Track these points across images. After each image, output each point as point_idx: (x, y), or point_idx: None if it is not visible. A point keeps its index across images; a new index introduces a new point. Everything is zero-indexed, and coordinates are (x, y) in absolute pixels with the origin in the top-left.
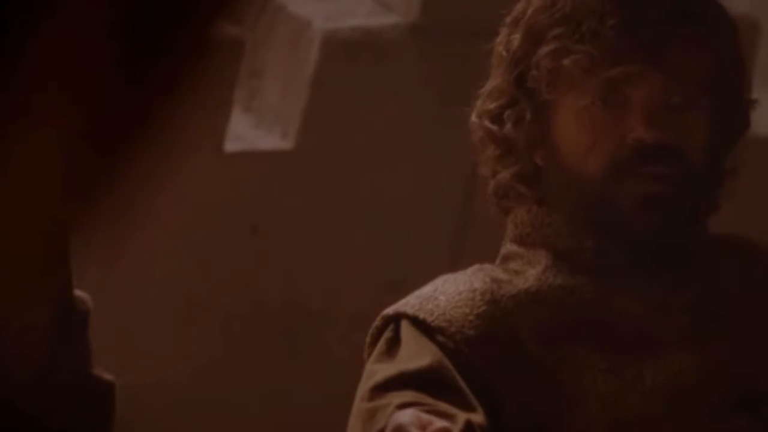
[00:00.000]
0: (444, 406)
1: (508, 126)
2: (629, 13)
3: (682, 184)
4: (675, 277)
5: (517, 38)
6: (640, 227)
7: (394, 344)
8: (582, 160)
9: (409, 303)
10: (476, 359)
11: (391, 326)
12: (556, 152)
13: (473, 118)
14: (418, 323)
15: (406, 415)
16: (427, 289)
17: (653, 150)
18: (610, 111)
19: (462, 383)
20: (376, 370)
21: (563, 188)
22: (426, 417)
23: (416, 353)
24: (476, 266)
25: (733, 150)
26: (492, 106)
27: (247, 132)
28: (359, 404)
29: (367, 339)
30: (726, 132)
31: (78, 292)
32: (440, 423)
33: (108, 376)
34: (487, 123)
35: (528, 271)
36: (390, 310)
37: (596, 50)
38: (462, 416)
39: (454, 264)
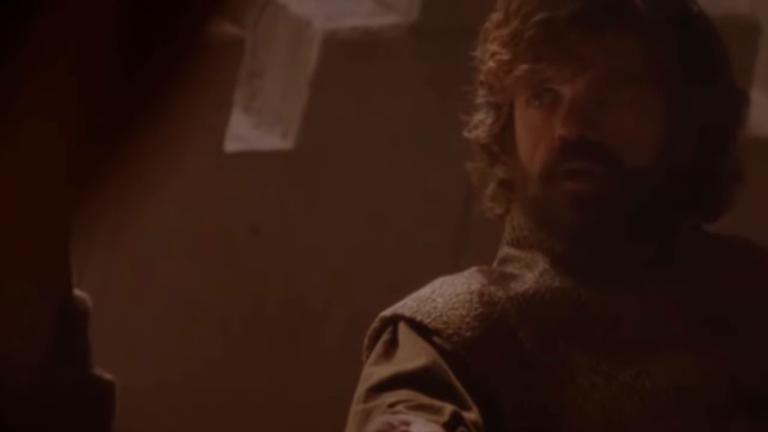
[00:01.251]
0: (430, 400)
1: (477, 132)
2: (548, 11)
3: (610, 180)
4: (674, 279)
5: (480, 47)
6: (574, 227)
7: (391, 346)
8: (529, 162)
9: (406, 305)
10: (473, 361)
11: (389, 328)
12: (517, 155)
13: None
14: (415, 325)
15: (376, 423)
16: (424, 291)
17: (575, 146)
18: (544, 110)
19: (458, 383)
20: (373, 372)
21: (521, 190)
22: (396, 418)
23: (413, 355)
24: (474, 268)
25: (724, 151)
26: (474, 116)
27: (247, 132)
28: (355, 406)
29: (365, 341)
30: (693, 128)
31: (77, 292)
32: (406, 417)
33: (108, 376)
34: (465, 132)
35: (526, 274)
36: (387, 312)
37: (515, 50)
38: (448, 408)
39: (455, 264)
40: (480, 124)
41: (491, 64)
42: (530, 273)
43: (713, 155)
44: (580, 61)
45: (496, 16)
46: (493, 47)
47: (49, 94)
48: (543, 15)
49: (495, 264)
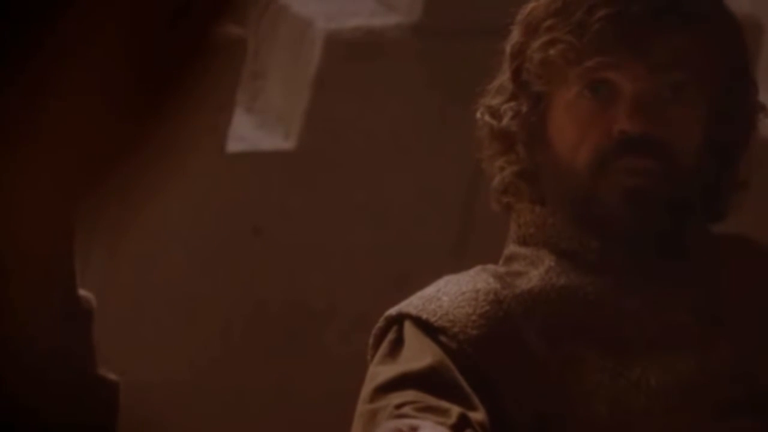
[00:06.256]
0: (437, 402)
1: (506, 120)
2: (618, 5)
3: (666, 179)
4: (678, 277)
5: (516, 33)
6: (626, 222)
7: (397, 345)
8: (572, 154)
9: (412, 304)
10: (479, 359)
11: (395, 327)
12: (551, 147)
13: (478, 114)
14: (421, 324)
15: (384, 429)
16: (430, 290)
17: (637, 142)
18: (599, 103)
19: (464, 383)
20: (379, 371)
21: (557, 184)
22: (404, 423)
23: (419, 354)
24: (479, 267)
25: (739, 156)
26: (495, 101)
27: (250, 132)
28: (361, 406)
29: (370, 340)
30: (725, 133)
31: (82, 292)
32: (413, 422)
33: (112, 376)
34: (487, 118)
35: (531, 272)
36: (393, 311)
37: (581, 41)
38: (456, 410)
39: (457, 264)
40: (509, 111)
41: (552, 52)
42: (536, 270)
43: (728, 159)
44: (650, 60)
45: (544, 4)
46: (553, 35)
47: (93, 74)
48: (611, 9)
49: (501, 262)
